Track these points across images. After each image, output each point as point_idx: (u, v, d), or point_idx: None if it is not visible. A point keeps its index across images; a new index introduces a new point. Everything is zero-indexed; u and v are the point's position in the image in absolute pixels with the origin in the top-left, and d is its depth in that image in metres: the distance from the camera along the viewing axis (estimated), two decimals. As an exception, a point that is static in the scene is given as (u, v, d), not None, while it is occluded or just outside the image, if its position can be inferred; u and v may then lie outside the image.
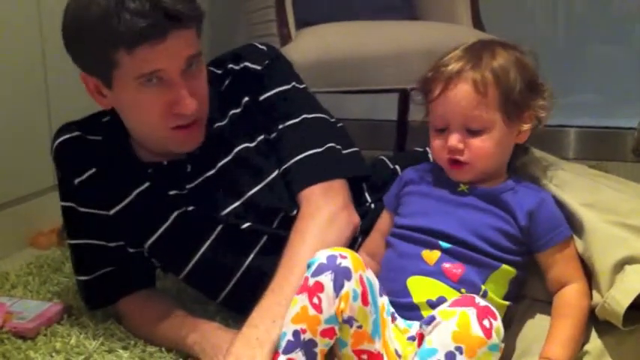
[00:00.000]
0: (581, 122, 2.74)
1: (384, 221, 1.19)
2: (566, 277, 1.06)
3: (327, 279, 0.99)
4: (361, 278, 1.00)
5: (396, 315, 1.06)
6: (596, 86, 2.73)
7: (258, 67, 1.29)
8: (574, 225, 1.12)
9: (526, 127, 1.07)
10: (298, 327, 0.99)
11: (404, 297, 1.05)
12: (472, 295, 0.98)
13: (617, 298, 1.00)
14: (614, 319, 1.01)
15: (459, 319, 0.91)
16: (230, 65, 1.30)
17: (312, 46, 1.88)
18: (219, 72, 1.30)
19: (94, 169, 1.29)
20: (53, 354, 1.23)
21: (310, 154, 1.25)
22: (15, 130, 1.79)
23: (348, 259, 1.00)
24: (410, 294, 1.05)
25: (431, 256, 1.05)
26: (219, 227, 1.26)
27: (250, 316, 1.09)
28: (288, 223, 1.22)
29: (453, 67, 1.05)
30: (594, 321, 1.05)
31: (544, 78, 1.10)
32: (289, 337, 0.99)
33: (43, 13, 1.82)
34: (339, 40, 1.89)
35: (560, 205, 1.13)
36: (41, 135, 1.78)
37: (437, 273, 1.04)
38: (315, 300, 0.98)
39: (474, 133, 1.05)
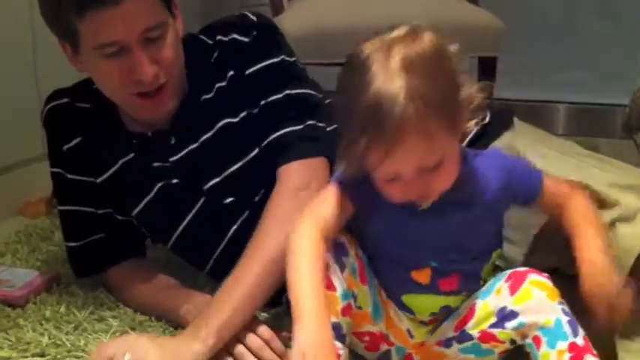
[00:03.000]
0: (572, 98, 2.75)
1: (339, 209, 0.98)
2: (562, 198, 1.00)
3: (328, 256, 0.94)
4: (357, 255, 0.98)
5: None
6: (587, 62, 2.73)
7: (246, 39, 1.26)
8: None
9: (471, 124, 0.92)
10: None
11: (406, 311, 1.01)
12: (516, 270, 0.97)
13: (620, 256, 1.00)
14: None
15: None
16: (219, 37, 1.28)
17: (304, 17, 1.87)
18: (210, 42, 1.28)
19: (81, 137, 1.29)
20: (43, 322, 1.23)
21: (288, 131, 1.22)
22: (3, 99, 1.78)
23: (343, 236, 0.98)
24: (411, 310, 1.01)
25: (422, 274, 0.98)
26: (202, 200, 1.26)
27: (213, 299, 1.09)
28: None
29: (394, 120, 0.82)
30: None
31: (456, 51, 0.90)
32: None
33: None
34: (332, 11, 1.88)
35: None
36: (30, 103, 1.77)
37: (433, 288, 0.98)
38: (325, 281, 0.93)
39: (431, 168, 0.88)
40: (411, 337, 1.02)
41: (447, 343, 1.01)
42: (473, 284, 1.01)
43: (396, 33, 0.89)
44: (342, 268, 0.96)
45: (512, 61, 2.32)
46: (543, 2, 2.77)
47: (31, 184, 1.84)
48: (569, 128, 2.69)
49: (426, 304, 1.00)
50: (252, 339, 1.09)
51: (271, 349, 1.09)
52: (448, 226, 0.96)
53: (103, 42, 1.11)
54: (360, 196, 0.96)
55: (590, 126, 2.65)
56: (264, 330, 1.10)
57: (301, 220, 0.96)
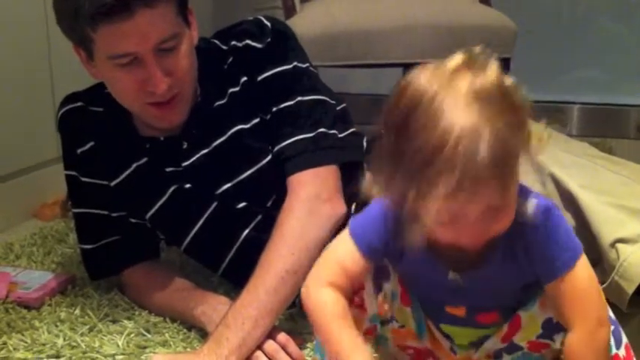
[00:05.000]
0: (585, 99, 2.73)
1: (354, 267, 0.87)
2: (570, 315, 0.85)
3: (366, 278, 0.89)
4: (400, 280, 0.92)
5: None
6: (601, 62, 2.72)
7: (260, 46, 1.26)
8: (573, 205, 1.11)
9: None
10: None
11: (445, 337, 0.95)
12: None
13: (622, 284, 1.00)
14: (619, 303, 1.01)
15: None
16: (233, 42, 1.28)
17: (316, 19, 1.87)
18: (224, 48, 1.29)
19: (94, 141, 1.30)
20: (58, 324, 1.24)
21: (299, 139, 1.22)
22: (19, 102, 1.79)
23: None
24: (450, 337, 0.95)
25: (457, 310, 0.90)
26: (214, 205, 1.26)
27: (225, 314, 1.09)
28: (282, 203, 1.21)
29: (474, 160, 0.70)
30: None
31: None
32: None
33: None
34: (344, 13, 1.88)
35: (559, 184, 1.12)
36: (45, 106, 1.79)
37: (470, 322, 0.91)
38: (357, 299, 0.89)
39: (495, 211, 0.76)
40: (455, 353, 0.96)
41: (496, 354, 0.96)
42: (512, 315, 0.91)
43: (455, 62, 0.75)
44: (379, 291, 0.92)
45: (525, 62, 2.31)
46: (556, 2, 2.76)
47: (46, 186, 1.85)
48: (584, 129, 2.68)
49: (464, 335, 0.94)
50: (268, 343, 1.09)
51: (288, 353, 1.09)
52: (479, 281, 0.85)
53: (116, 53, 1.12)
54: (382, 253, 0.87)
55: (604, 126, 2.63)
56: (281, 336, 1.10)
57: (315, 279, 0.87)
